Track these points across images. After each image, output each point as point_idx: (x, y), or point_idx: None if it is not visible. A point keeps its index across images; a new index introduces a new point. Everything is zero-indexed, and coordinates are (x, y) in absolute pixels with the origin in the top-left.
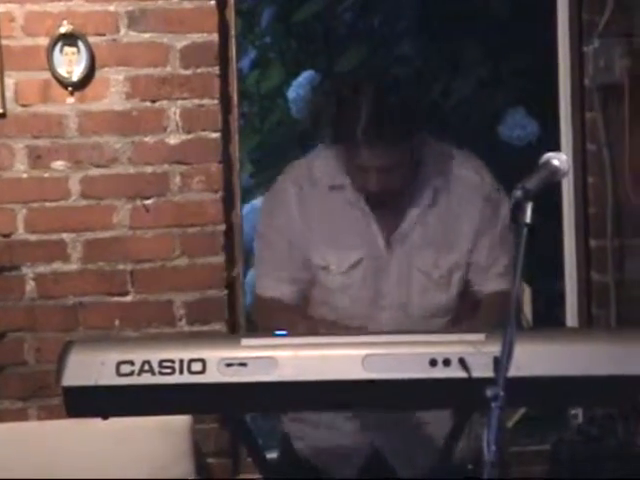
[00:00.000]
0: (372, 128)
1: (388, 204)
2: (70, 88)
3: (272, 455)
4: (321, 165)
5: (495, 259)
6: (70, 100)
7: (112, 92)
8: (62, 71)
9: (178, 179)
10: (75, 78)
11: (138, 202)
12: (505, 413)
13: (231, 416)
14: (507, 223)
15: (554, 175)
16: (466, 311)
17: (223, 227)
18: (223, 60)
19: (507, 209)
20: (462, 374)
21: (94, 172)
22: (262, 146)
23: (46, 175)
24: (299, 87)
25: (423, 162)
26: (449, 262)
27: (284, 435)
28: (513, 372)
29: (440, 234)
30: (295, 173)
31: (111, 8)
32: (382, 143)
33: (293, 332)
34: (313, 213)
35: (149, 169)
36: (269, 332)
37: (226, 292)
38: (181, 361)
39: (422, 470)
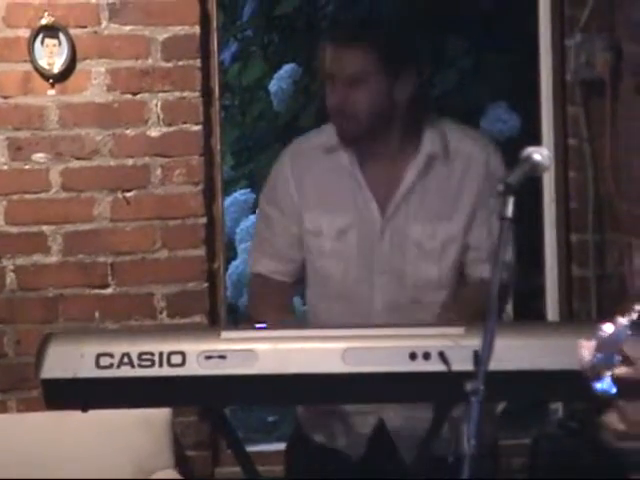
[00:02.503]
0: (340, 28)
1: (376, 163)
2: (51, 80)
3: (253, 448)
4: (317, 133)
5: (484, 241)
6: (51, 92)
7: (93, 84)
8: (43, 63)
9: (159, 171)
10: (56, 70)
11: (119, 194)
12: (490, 406)
13: (211, 409)
14: None
15: (535, 169)
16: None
17: (204, 220)
18: (204, 53)
19: None
20: (442, 368)
21: (75, 164)
22: (243, 139)
23: (27, 167)
24: (281, 80)
25: (418, 125)
26: (444, 234)
27: (296, 421)
28: (493, 366)
29: (436, 204)
30: (293, 147)
31: (92, 0)
32: (349, 41)
33: (271, 318)
34: (307, 180)
35: (130, 161)
36: (249, 320)
37: (207, 285)
38: (161, 354)
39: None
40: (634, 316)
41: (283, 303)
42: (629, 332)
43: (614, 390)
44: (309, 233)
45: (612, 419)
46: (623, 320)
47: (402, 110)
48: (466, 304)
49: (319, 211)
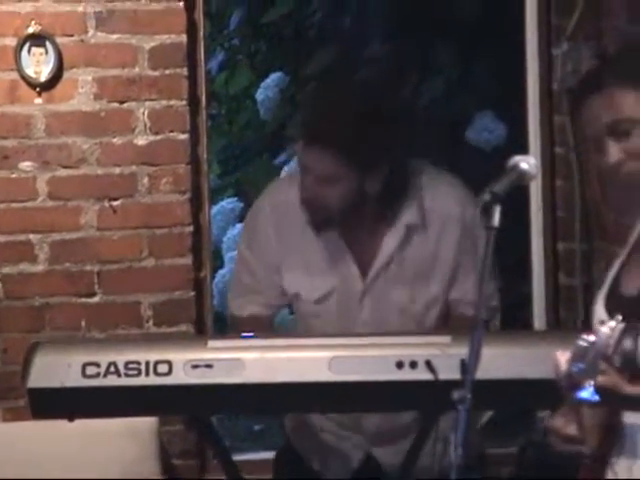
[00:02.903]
0: (310, 124)
1: (356, 235)
2: (38, 89)
3: (240, 457)
4: (294, 191)
5: (472, 294)
6: (38, 100)
7: (80, 93)
8: (30, 71)
9: (146, 180)
10: (43, 78)
11: (106, 203)
12: (474, 415)
13: (197, 418)
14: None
15: (522, 178)
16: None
17: (191, 228)
18: (191, 61)
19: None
20: (429, 376)
21: (62, 173)
22: (230, 147)
23: (13, 175)
24: (268, 89)
25: (397, 199)
26: (427, 297)
27: (285, 434)
28: (480, 374)
29: (416, 270)
30: (274, 195)
31: (79, 9)
32: (319, 143)
33: None
34: (289, 238)
35: (117, 170)
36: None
37: (193, 293)
38: (147, 363)
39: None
40: (614, 325)
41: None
42: (610, 341)
43: (596, 398)
44: (290, 295)
45: (559, 423)
46: (604, 329)
47: (376, 196)
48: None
49: (299, 273)
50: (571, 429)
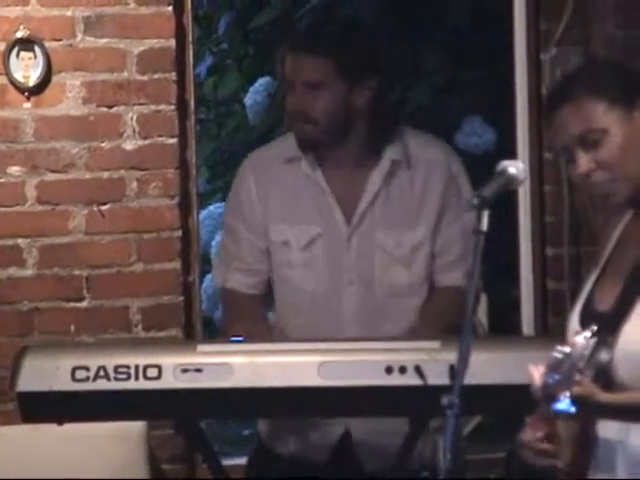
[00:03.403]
0: (299, 34)
1: (339, 171)
2: (26, 93)
3: (229, 462)
4: (277, 143)
5: (452, 245)
6: (26, 105)
7: (69, 97)
8: (18, 76)
9: (134, 185)
10: (31, 83)
11: (94, 208)
12: (461, 421)
13: (186, 422)
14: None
15: (511, 183)
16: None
17: (179, 233)
18: (180, 66)
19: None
20: (418, 381)
21: (50, 177)
22: (219, 152)
23: (2, 180)
24: (256, 93)
25: (381, 134)
26: (412, 240)
27: (258, 435)
28: (469, 380)
29: (402, 211)
30: (253, 158)
31: (68, 13)
32: (306, 48)
33: (249, 332)
34: (271, 191)
35: (105, 174)
36: (227, 336)
37: (182, 298)
38: (136, 367)
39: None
40: (589, 335)
41: (258, 315)
42: (585, 352)
43: (573, 410)
44: (276, 245)
45: (529, 436)
46: (580, 339)
47: (362, 117)
48: (439, 315)
49: (285, 223)
50: (542, 442)
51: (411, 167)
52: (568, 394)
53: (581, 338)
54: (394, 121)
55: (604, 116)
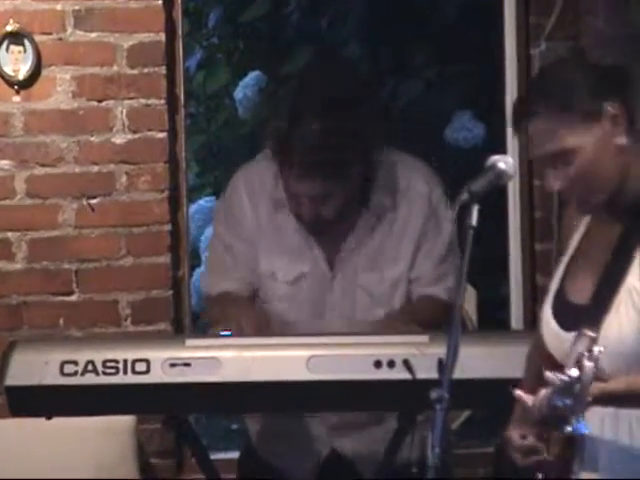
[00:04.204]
0: (306, 159)
1: (327, 229)
2: (16, 87)
3: (217, 456)
4: (266, 175)
5: (431, 273)
6: (16, 99)
7: (58, 91)
8: (8, 70)
9: (124, 179)
10: (21, 77)
11: (84, 201)
12: (450, 415)
13: (175, 416)
14: (447, 238)
15: (500, 178)
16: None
17: (169, 227)
18: (170, 60)
19: (450, 223)
20: (406, 376)
21: (40, 171)
22: (208, 146)
23: None
24: (246, 88)
25: (370, 183)
26: (392, 276)
27: (247, 435)
28: (458, 374)
29: (382, 251)
30: (247, 177)
31: (58, 7)
32: (313, 175)
33: (243, 319)
34: (263, 217)
35: (95, 168)
36: (216, 330)
37: (171, 292)
38: (125, 361)
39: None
40: (595, 357)
41: (246, 301)
42: (593, 374)
43: (587, 431)
44: (264, 274)
45: (515, 435)
46: (589, 364)
47: (358, 185)
48: (413, 313)
49: (275, 254)
50: (528, 440)
51: (396, 207)
52: (581, 417)
53: (589, 362)
54: (381, 168)
55: (573, 135)
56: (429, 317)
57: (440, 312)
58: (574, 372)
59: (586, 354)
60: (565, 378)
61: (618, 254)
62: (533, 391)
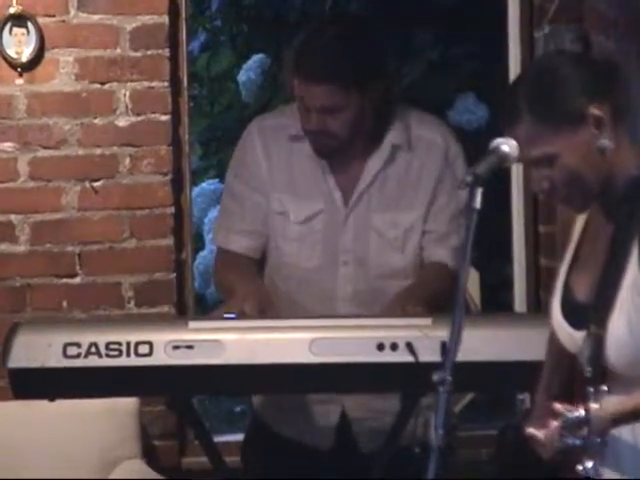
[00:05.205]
0: (306, 61)
1: (342, 157)
2: (19, 69)
3: (220, 438)
4: (284, 116)
5: (440, 225)
6: (19, 81)
7: (61, 73)
8: (11, 52)
9: (127, 161)
10: (24, 59)
11: (87, 184)
12: (453, 398)
13: (178, 399)
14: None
15: (504, 160)
16: None
17: (172, 209)
18: (173, 42)
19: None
20: (409, 358)
21: (43, 153)
22: (212, 129)
23: None
24: (249, 70)
25: (384, 119)
26: (406, 223)
27: (253, 413)
28: (461, 357)
29: (398, 193)
30: (261, 123)
31: None
32: (317, 80)
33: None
34: (276, 161)
35: (98, 151)
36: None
37: (174, 274)
38: (128, 343)
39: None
40: (601, 396)
41: (253, 273)
42: (599, 419)
43: (596, 476)
44: (276, 214)
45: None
46: (595, 406)
47: (372, 111)
48: (422, 288)
49: (287, 194)
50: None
51: (411, 149)
52: (592, 462)
53: (595, 404)
54: (396, 103)
55: (557, 140)
56: (440, 289)
57: (448, 282)
58: (581, 413)
59: (592, 392)
60: (572, 416)
61: (614, 252)
62: (553, 375)
